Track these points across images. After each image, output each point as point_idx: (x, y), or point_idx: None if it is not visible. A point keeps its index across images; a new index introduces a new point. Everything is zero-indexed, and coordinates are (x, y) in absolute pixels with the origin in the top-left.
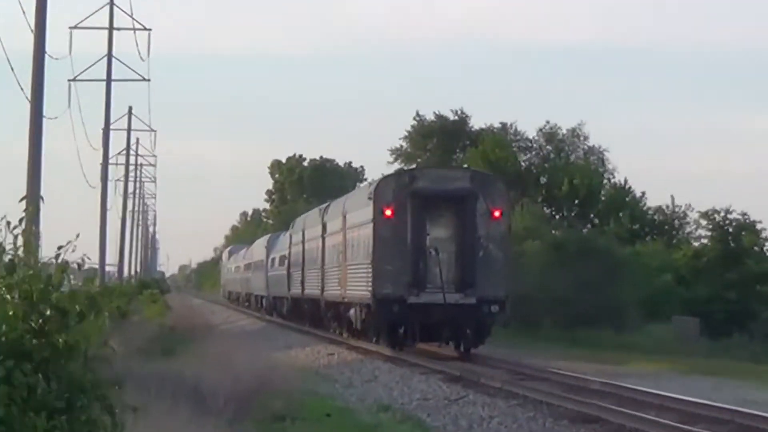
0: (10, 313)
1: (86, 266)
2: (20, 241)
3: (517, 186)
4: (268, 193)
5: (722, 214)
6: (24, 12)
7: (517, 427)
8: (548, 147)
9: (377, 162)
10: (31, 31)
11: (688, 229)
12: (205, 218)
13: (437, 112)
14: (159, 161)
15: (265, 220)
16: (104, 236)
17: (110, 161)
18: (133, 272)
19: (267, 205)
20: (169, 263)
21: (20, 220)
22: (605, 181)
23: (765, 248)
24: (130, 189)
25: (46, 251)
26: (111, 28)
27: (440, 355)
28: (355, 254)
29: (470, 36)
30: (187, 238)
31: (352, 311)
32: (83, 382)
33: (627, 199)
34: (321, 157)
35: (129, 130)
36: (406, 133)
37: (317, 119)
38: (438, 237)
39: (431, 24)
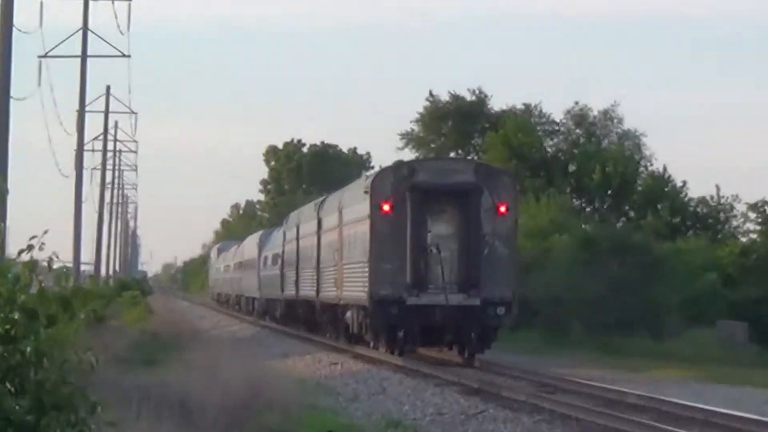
0: None
1: (58, 265)
2: None
3: (543, 174)
4: (263, 182)
5: None
6: None
7: None
8: (577, 131)
9: (385, 148)
10: None
11: (734, 223)
12: (193, 211)
13: (452, 92)
14: (140, 147)
15: (259, 213)
16: (79, 231)
17: (85, 147)
18: (111, 272)
19: (262, 197)
20: (152, 262)
21: None
22: (642, 169)
23: None
24: (108, 178)
25: (13, 249)
26: None
27: (444, 361)
28: (352, 252)
29: (489, 6)
30: (172, 234)
31: (348, 314)
32: (57, 395)
33: (666, 189)
34: (322, 142)
35: (107, 112)
36: (418, 116)
37: (318, 100)
38: (440, 234)
39: None
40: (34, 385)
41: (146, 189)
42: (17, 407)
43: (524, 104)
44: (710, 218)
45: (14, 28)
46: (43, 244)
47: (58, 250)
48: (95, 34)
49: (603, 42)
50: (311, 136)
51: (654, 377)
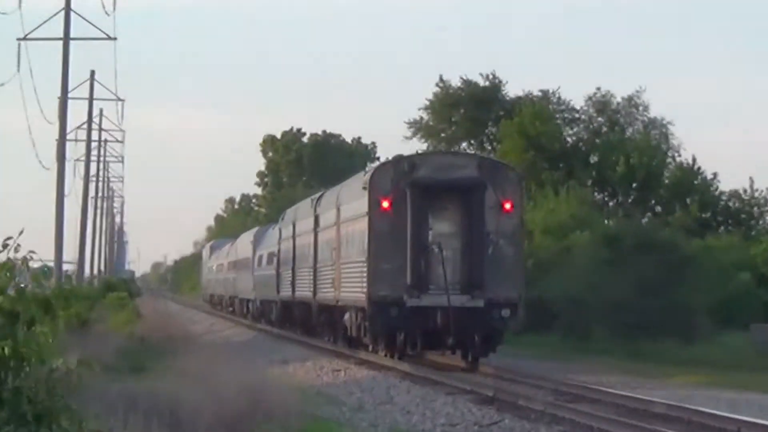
0: None
1: (37, 264)
2: None
3: (562, 166)
4: (260, 175)
5: None
6: None
7: None
8: (600, 119)
9: (392, 137)
10: None
11: None
12: (184, 206)
13: (465, 77)
14: (128, 137)
15: (256, 208)
16: (61, 228)
17: (68, 137)
18: (96, 271)
19: (258, 190)
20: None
21: None
22: (669, 160)
23: None
24: (93, 170)
25: None
26: None
27: (447, 366)
28: (350, 251)
29: None
30: (161, 231)
31: (346, 316)
32: (38, 405)
33: (695, 181)
34: (324, 131)
35: (91, 99)
36: (427, 103)
37: (319, 86)
38: (441, 232)
39: None
40: (12, 392)
41: (134, 182)
42: None
43: (541, 90)
44: (743, 213)
45: None
46: (18, 245)
47: (38, 248)
48: (79, 15)
49: (627, 23)
50: (312, 125)
51: (683, 385)
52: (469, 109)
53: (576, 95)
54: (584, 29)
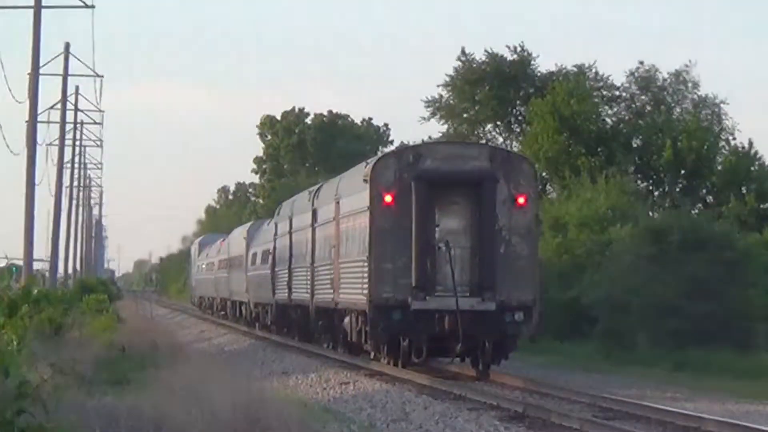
0: None
1: (2, 262)
2: None
3: (601, 151)
4: (258, 161)
5: None
6: None
7: None
8: (643, 97)
9: (407, 119)
10: None
11: None
12: (171, 197)
13: (489, 51)
14: (107, 118)
15: (253, 198)
16: (31, 221)
17: (39, 118)
18: (71, 271)
19: (256, 178)
20: (120, 258)
21: None
22: (722, 143)
23: None
24: (67, 156)
25: None
26: None
27: (455, 375)
28: (349, 249)
29: None
30: (145, 225)
31: (346, 320)
32: (5, 423)
33: (752, 168)
34: (330, 111)
35: (65, 75)
36: (448, 79)
37: (324, 60)
38: (449, 229)
39: None
40: None
41: (114, 170)
42: None
43: (576, 65)
44: None
45: None
46: None
47: (5, 244)
48: None
49: None
50: (317, 105)
51: (739, 400)
52: (494, 86)
53: (616, 70)
54: None
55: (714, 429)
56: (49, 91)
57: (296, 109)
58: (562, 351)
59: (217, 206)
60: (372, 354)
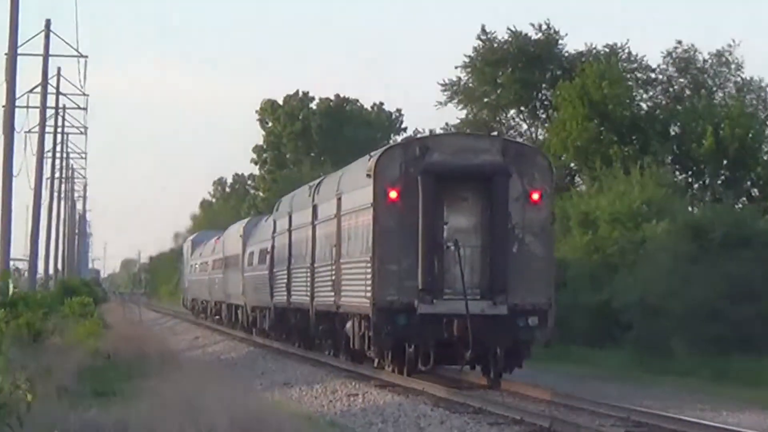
0: None
1: None
2: None
3: (635, 139)
4: (258, 150)
5: None
6: None
7: None
8: (681, 80)
9: (422, 104)
10: None
11: None
12: (163, 189)
13: (513, 29)
14: (92, 103)
15: (252, 191)
16: (8, 216)
17: (18, 102)
18: (52, 270)
19: (255, 169)
20: (106, 257)
21: None
22: None
23: None
24: (48, 145)
25: None
26: None
27: (466, 383)
28: (352, 249)
29: None
30: (134, 220)
31: (348, 325)
32: None
33: None
34: (337, 96)
35: (46, 55)
36: (467, 60)
37: (331, 40)
38: (459, 227)
39: None
40: None
41: (100, 159)
42: None
43: (608, 45)
44: None
45: None
46: None
47: None
48: None
49: None
50: (323, 88)
51: None
52: (518, 67)
53: (651, 51)
54: None
55: None
56: (29, 72)
57: (300, 93)
58: (592, 359)
59: (213, 200)
60: (375, 361)
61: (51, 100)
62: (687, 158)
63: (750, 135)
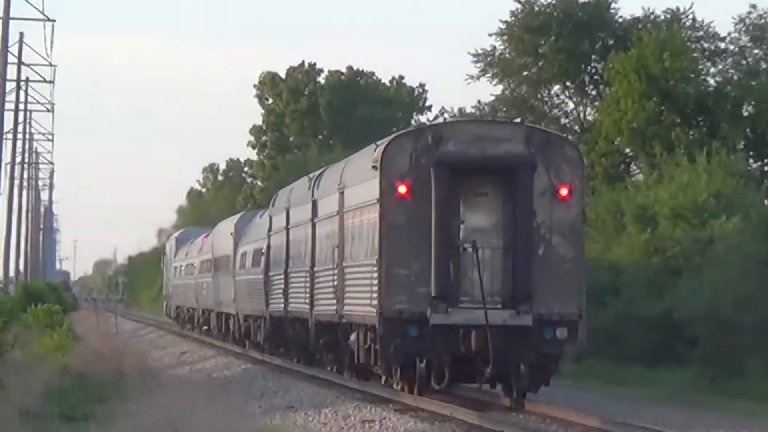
0: None
1: None
2: None
3: (702, 121)
4: (256, 132)
5: None
6: None
7: None
8: (756, 51)
9: (449, 77)
10: None
11: None
12: (143, 178)
13: None
14: (60, 75)
15: (250, 180)
16: None
17: None
18: (13, 272)
19: (253, 154)
20: (76, 257)
21: None
22: None
23: None
24: (8, 124)
25: None
26: None
27: (483, 402)
28: (356, 250)
29: None
30: (110, 214)
31: (352, 337)
32: None
33: None
34: (350, 68)
35: (6, 18)
36: (503, 27)
37: (343, 2)
38: (477, 226)
39: None
40: None
41: (69, 142)
42: None
43: (669, 9)
44: None
45: None
46: None
47: None
48: None
49: None
50: (332, 59)
51: None
52: (563, 36)
53: (720, 16)
54: None
55: None
56: None
57: (306, 65)
58: (652, 380)
59: (203, 190)
60: (383, 378)
61: (12, 72)
62: (762, 143)
63: None
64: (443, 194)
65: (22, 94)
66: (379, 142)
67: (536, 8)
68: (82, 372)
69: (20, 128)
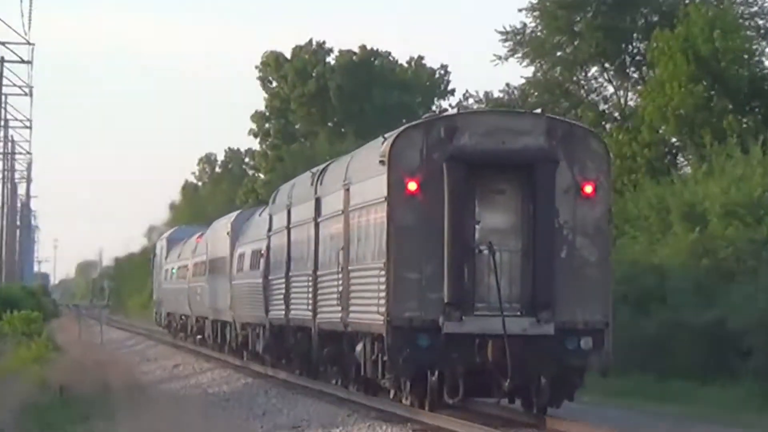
0: None
1: None
2: None
3: (757, 108)
4: (258, 118)
5: None
6: None
7: None
8: None
9: (475, 58)
10: None
11: None
12: (132, 170)
13: None
14: (38, 54)
15: (251, 172)
16: None
17: None
18: None
19: (255, 143)
20: (57, 259)
21: None
22: None
23: None
24: None
25: None
26: None
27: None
28: (362, 252)
29: None
30: (94, 211)
31: (359, 347)
32: None
33: None
34: (363, 47)
35: None
36: (533, 1)
37: None
38: (494, 226)
39: None
40: None
41: (49, 131)
42: None
43: None
44: None
45: None
46: None
47: None
48: None
49: None
50: (342, 38)
51: None
52: (601, 12)
53: None
54: None
55: None
56: None
57: (314, 44)
58: (699, 396)
59: (199, 183)
60: (391, 391)
61: None
62: None
63: None
64: (457, 192)
65: None
66: (386, 135)
67: None
68: (63, 386)
69: None
